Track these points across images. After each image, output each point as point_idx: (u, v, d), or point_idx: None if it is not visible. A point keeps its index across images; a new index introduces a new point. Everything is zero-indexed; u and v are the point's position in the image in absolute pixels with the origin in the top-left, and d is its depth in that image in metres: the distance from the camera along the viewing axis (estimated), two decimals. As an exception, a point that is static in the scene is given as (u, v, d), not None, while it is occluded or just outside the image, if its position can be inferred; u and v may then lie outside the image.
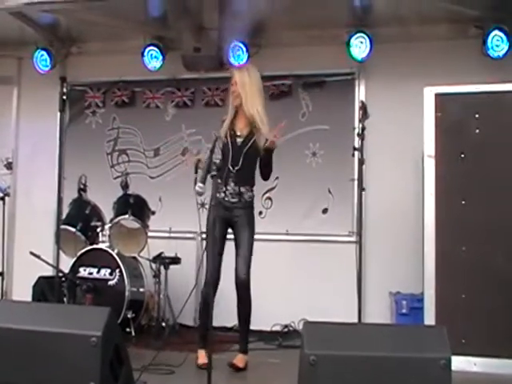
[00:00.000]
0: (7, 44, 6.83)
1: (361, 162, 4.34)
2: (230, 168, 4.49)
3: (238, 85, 4.53)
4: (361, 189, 4.37)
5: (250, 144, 4.51)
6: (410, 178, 5.56)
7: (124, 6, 5.82)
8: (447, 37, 5.91)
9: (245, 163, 4.51)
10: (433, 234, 4.60)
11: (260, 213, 6.06)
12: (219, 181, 4.28)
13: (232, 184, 4.51)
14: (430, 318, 4.48)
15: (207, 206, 5.88)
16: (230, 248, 5.17)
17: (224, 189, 4.49)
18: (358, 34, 5.82)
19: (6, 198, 6.05)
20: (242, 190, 4.53)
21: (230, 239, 4.63)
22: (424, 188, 4.71)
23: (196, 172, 4.27)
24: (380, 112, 5.31)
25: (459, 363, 3.91)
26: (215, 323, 3.70)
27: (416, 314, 5.04)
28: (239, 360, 4.50)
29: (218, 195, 4.34)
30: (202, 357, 4.43)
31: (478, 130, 4.67)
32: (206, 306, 4.16)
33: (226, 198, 4.51)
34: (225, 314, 4.67)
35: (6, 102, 7.02)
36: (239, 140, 4.55)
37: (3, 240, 5.45)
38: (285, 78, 6.29)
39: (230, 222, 4.56)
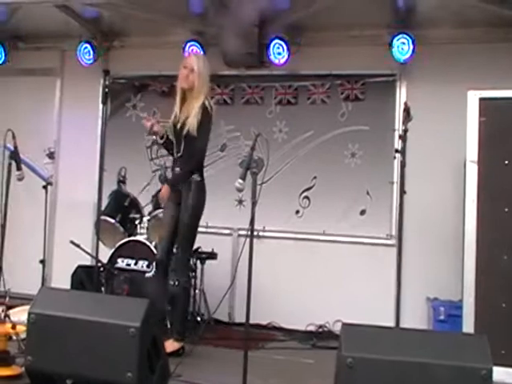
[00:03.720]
0: (51, 36, 6.95)
1: (402, 164, 4.28)
2: (175, 155, 4.67)
3: (194, 71, 4.67)
4: (402, 191, 4.31)
5: (186, 128, 4.57)
6: (450, 182, 5.50)
7: (166, 1, 5.86)
8: (491, 40, 5.80)
9: (185, 149, 4.61)
10: (474, 241, 4.51)
11: (297, 212, 6.05)
12: None
13: (177, 169, 4.68)
14: (468, 326, 4.39)
15: (245, 204, 5.98)
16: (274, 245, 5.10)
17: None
18: (401, 36, 5.76)
19: (49, 187, 6.13)
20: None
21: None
22: (466, 194, 4.63)
23: (149, 133, 4.78)
24: (421, 115, 5.19)
25: (498, 374, 3.80)
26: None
27: (454, 322, 4.97)
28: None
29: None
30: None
31: (522, 137, 4.57)
32: None
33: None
34: (259, 311, 4.63)
35: (50, 93, 7.13)
36: (178, 125, 4.64)
37: (45, 228, 5.50)
38: (324, 78, 6.27)
39: None
